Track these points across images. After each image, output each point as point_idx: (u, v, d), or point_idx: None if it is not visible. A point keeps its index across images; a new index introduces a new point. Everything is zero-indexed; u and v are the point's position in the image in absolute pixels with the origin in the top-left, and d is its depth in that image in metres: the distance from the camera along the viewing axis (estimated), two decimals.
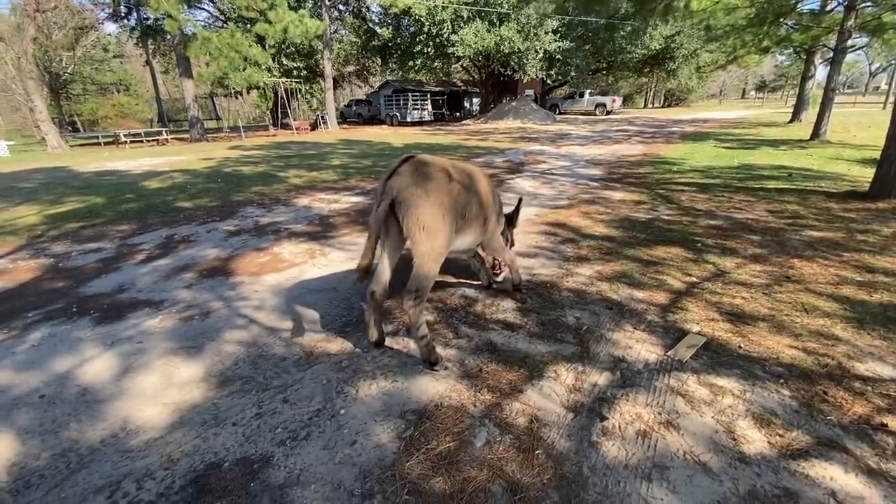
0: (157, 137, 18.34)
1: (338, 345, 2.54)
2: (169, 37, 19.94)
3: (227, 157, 12.24)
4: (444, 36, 22.82)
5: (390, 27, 26.47)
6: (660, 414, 1.85)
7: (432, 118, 29.57)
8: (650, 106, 55.65)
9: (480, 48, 22.27)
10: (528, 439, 1.74)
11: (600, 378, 2.12)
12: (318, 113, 24.74)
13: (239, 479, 1.61)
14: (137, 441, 1.84)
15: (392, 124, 27.83)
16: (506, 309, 2.91)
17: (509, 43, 21.88)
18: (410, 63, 26.22)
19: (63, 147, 15.42)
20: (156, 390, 2.19)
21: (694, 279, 3.28)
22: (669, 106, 52.84)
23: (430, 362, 2.22)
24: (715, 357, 2.26)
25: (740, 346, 2.36)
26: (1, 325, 2.93)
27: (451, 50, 23.00)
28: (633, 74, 36.50)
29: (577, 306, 2.90)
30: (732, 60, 16.81)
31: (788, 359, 2.24)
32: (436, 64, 27.32)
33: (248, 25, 18.40)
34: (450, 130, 21.65)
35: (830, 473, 1.55)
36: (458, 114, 36.39)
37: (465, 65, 29.84)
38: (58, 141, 15.18)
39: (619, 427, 1.79)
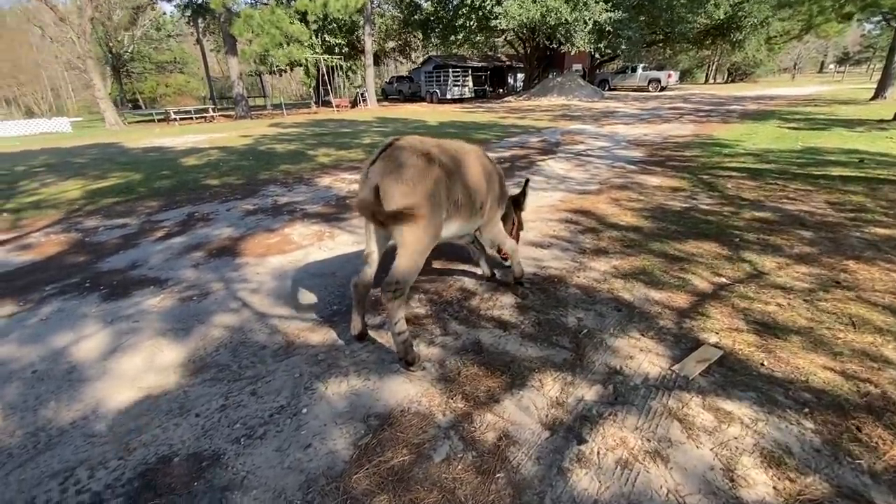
0: (205, 115, 19.05)
1: (321, 335, 2.46)
2: (219, 15, 20.43)
3: (265, 135, 12.48)
4: (488, 8, 21.92)
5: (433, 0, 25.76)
6: (648, 441, 1.62)
7: (473, 95, 28.82)
8: (711, 81, 51.53)
9: (525, 20, 21.21)
10: (491, 459, 1.57)
11: (589, 392, 1.90)
12: (358, 90, 24.74)
13: (184, 477, 1.56)
14: (103, 426, 1.84)
15: (432, 101, 27.42)
16: (503, 305, 2.71)
17: (556, 14, 20.66)
18: (452, 37, 25.51)
19: (120, 124, 16.36)
20: (136, 373, 2.19)
21: (724, 280, 2.92)
22: (733, 81, 48.66)
23: (406, 361, 2.09)
24: (729, 375, 1.98)
25: (763, 364, 2.05)
26: (20, 297, 3.08)
27: (494, 23, 22.08)
28: (693, 47, 33.63)
29: (583, 306, 2.65)
30: (808, 30, 15.01)
31: (821, 383, 1.91)
32: (478, 38, 26.44)
33: (290, 1, 18.45)
34: (489, 108, 21.03)
35: None
36: (501, 90, 35.32)
37: (508, 38, 28.63)
38: (115, 118, 16.10)
39: (598, 453, 1.58)
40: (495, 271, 3.09)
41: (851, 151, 6.98)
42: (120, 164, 8.46)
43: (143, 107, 33.91)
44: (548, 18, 20.91)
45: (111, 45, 27.18)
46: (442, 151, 2.14)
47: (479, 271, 3.14)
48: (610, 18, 21.09)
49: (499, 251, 3.02)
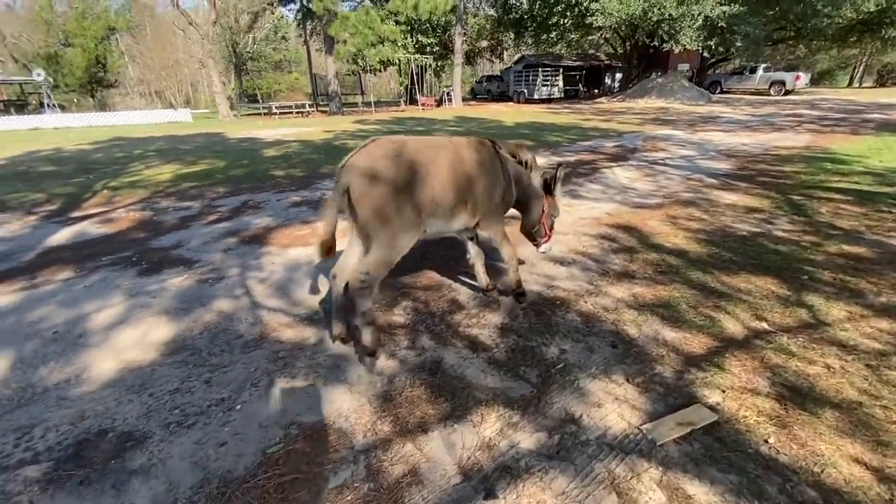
0: (303, 110, 20.70)
1: (295, 332, 2.48)
2: (321, 17, 22.06)
3: (345, 131, 13.19)
4: (584, 4, 20.89)
5: None
6: None
7: (562, 95, 27.75)
8: (856, 85, 43.86)
9: (624, 16, 19.85)
10: (385, 496, 1.44)
11: (529, 439, 1.66)
12: (444, 89, 25.12)
13: (106, 454, 1.65)
14: (75, 392, 2.02)
15: (518, 101, 26.93)
16: (486, 324, 2.50)
17: (659, 8, 19.03)
18: (545, 36, 24.77)
19: (230, 116, 18.45)
20: (126, 346, 2.39)
21: (765, 326, 2.41)
22: (883, 86, 40.92)
23: (369, 352, 2.07)
24: (714, 448, 1.60)
25: (767, 441, 1.63)
26: (79, 265, 3.55)
27: (590, 20, 20.97)
28: (832, 45, 28.82)
29: (574, 336, 2.36)
30: None
31: (839, 479, 1.47)
32: (573, 36, 25.33)
33: (383, 2, 19.26)
34: (576, 109, 20.07)
35: None
36: (595, 90, 33.58)
37: (606, 36, 27.02)
38: (227, 111, 18.20)
39: None
40: (497, 284, 2.87)
41: None
42: (214, 152, 9.50)
43: (261, 101, 38.03)
44: (650, 14, 19.36)
45: (235, 46, 30.80)
46: (406, 152, 2.04)
47: (473, 281, 2.93)
48: (724, 13, 18.88)
49: (532, 239, 2.81)
